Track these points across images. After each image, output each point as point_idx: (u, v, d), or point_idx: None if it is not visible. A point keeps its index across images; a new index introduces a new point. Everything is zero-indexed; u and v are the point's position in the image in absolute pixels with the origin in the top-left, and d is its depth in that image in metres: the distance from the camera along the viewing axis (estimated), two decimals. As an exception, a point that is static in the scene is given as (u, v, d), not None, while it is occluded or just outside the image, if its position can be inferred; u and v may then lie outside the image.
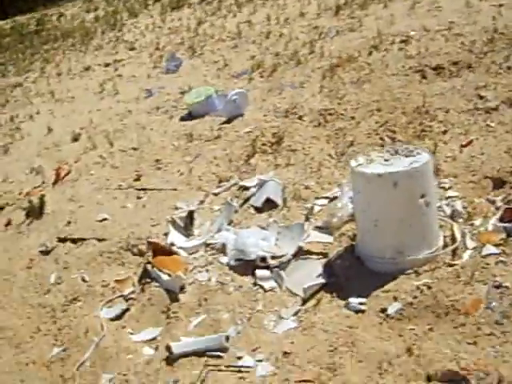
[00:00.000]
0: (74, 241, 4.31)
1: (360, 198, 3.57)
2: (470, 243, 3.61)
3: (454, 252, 3.56)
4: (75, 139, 5.77)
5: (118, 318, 3.63)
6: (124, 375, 3.22)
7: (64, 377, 3.29)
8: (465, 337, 3.02)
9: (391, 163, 3.52)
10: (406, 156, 3.58)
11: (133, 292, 3.79)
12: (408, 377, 2.93)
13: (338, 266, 3.68)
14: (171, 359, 3.24)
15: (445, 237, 3.68)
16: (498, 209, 3.84)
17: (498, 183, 4.06)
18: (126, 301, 3.75)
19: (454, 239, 3.66)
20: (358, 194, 3.60)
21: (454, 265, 3.46)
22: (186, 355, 3.25)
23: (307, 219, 4.14)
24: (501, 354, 2.89)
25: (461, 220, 3.82)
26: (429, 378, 2.90)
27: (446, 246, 3.62)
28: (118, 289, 3.83)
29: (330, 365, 3.05)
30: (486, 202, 3.96)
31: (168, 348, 3.26)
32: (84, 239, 4.30)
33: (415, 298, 3.30)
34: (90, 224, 4.44)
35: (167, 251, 3.92)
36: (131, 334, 3.52)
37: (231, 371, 3.12)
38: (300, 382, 2.97)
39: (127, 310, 3.67)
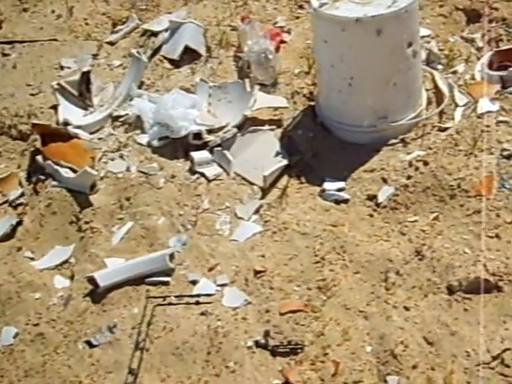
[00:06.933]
0: None
1: (328, 49, 2.71)
2: (460, 98, 2.88)
3: (441, 112, 2.82)
4: None
5: (9, 236, 2.58)
6: (35, 326, 2.25)
7: None
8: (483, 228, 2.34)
9: (366, 1, 2.62)
10: (381, -11, 2.73)
11: (22, 195, 2.73)
12: (423, 289, 2.25)
13: (299, 138, 2.82)
14: (98, 295, 2.32)
15: (426, 90, 2.92)
16: (479, 50, 3.12)
17: (473, 16, 3.29)
18: (14, 208, 2.69)
19: (438, 94, 2.92)
20: (323, 43, 2.69)
21: (447, 128, 2.75)
22: (118, 285, 2.34)
23: (242, 74, 3.17)
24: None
25: (440, 67, 3.07)
26: (450, 289, 2.23)
27: (429, 103, 2.88)
28: (0, 192, 2.76)
29: (319, 282, 2.28)
30: (463, 41, 3.21)
31: (91, 281, 2.33)
32: None
33: (409, 178, 2.57)
34: None
35: (62, 135, 2.84)
36: (31, 258, 2.52)
37: (186, 303, 2.27)
38: (287, 313, 2.20)
39: (19, 223, 2.62)
